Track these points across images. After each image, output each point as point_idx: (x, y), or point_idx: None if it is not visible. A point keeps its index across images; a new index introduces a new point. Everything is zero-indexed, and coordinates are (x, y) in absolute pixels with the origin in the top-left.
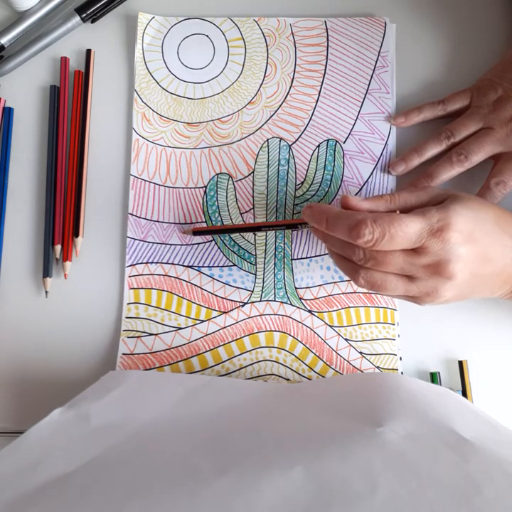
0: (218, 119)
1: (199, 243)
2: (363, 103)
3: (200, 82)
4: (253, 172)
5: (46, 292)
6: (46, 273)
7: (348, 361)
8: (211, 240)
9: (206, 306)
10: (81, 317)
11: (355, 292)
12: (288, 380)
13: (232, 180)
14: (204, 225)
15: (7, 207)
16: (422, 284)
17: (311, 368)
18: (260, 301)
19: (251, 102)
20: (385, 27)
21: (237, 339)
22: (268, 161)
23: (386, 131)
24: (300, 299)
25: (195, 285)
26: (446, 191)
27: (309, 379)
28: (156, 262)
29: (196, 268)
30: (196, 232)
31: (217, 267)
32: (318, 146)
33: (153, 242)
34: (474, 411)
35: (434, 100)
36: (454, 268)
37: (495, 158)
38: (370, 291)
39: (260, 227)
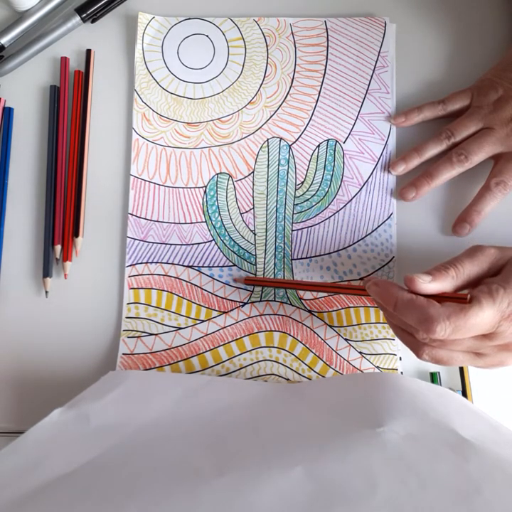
0: (218, 119)
1: (199, 243)
2: (363, 103)
3: (200, 82)
4: (253, 172)
5: (46, 292)
6: (46, 273)
7: (347, 361)
8: (211, 240)
9: (206, 306)
10: (81, 317)
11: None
12: (288, 379)
13: (232, 180)
14: (204, 225)
15: (7, 207)
16: (489, 358)
17: (310, 368)
18: (260, 301)
19: (251, 102)
20: (385, 27)
21: (237, 339)
22: (268, 161)
23: (386, 131)
24: (300, 299)
25: (195, 285)
26: (503, 252)
27: (309, 379)
28: (156, 262)
29: (196, 268)
30: (249, 283)
31: (217, 267)
32: (318, 146)
33: (153, 242)
34: (474, 411)
35: (434, 100)
36: None
37: (495, 158)
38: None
39: (317, 291)
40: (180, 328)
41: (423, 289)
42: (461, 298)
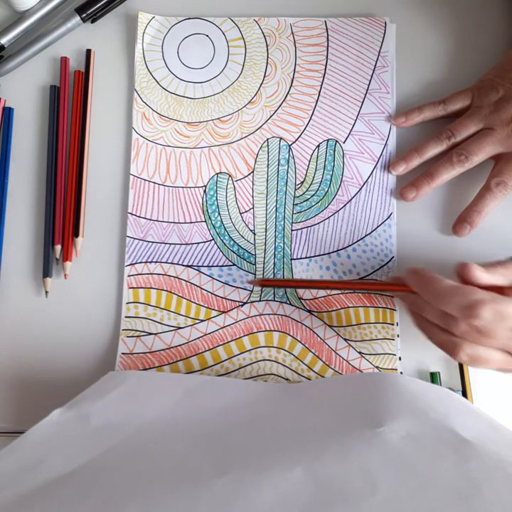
0: (218, 118)
1: (198, 242)
2: (362, 103)
3: (200, 81)
4: (253, 172)
5: (46, 292)
6: (46, 273)
7: (347, 361)
8: (211, 240)
9: (205, 305)
10: (81, 317)
11: (354, 292)
12: (287, 379)
13: (232, 179)
14: (204, 225)
15: (7, 207)
16: None
17: (310, 368)
18: (260, 300)
19: (251, 101)
20: (385, 27)
21: (236, 339)
22: (268, 160)
23: (386, 131)
24: (299, 298)
25: (194, 285)
26: None
27: (308, 379)
28: (156, 262)
29: (196, 267)
30: (264, 285)
31: (217, 266)
32: (318, 146)
33: (153, 242)
34: (474, 411)
35: (434, 100)
36: None
37: (495, 158)
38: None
39: (343, 289)
40: (180, 328)
41: (478, 276)
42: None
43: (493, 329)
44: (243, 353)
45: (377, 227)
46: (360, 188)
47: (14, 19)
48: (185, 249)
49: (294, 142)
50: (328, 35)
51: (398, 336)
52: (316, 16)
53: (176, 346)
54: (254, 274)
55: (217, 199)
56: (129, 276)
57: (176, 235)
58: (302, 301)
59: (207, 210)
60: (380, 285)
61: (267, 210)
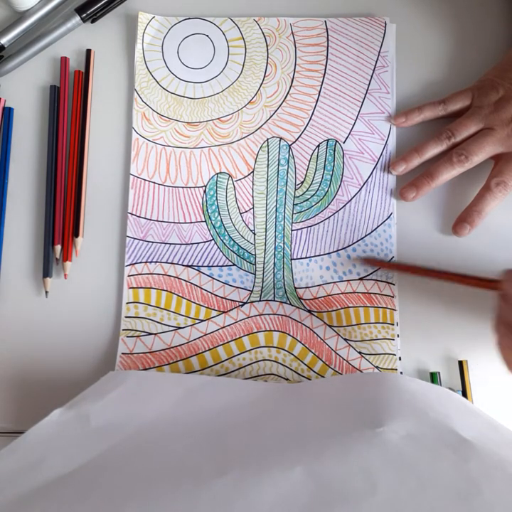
0: (218, 118)
1: (198, 242)
2: (362, 103)
3: (200, 81)
4: (253, 172)
5: (46, 292)
6: (46, 273)
7: (347, 361)
8: (211, 240)
9: (205, 305)
10: (81, 317)
11: (354, 292)
12: (287, 379)
13: (232, 179)
14: (204, 225)
15: (7, 207)
16: None
17: (310, 368)
18: (260, 300)
19: (251, 101)
20: (385, 27)
21: (236, 339)
22: (268, 160)
23: (386, 131)
24: (299, 298)
25: (194, 285)
26: None
27: (308, 379)
28: (156, 262)
29: (196, 267)
30: (373, 265)
31: (217, 266)
32: (318, 146)
33: (153, 242)
34: (474, 411)
35: (434, 100)
36: None
37: (495, 158)
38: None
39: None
40: (180, 328)
41: None
42: None
43: None
44: (243, 353)
45: (377, 227)
46: (360, 188)
47: (14, 19)
48: (185, 249)
49: (294, 142)
50: (328, 35)
51: (398, 335)
52: (316, 15)
53: (176, 346)
54: (254, 274)
55: (217, 199)
56: (129, 276)
57: (175, 235)
58: (302, 301)
59: (207, 210)
60: (482, 281)
61: (267, 210)
